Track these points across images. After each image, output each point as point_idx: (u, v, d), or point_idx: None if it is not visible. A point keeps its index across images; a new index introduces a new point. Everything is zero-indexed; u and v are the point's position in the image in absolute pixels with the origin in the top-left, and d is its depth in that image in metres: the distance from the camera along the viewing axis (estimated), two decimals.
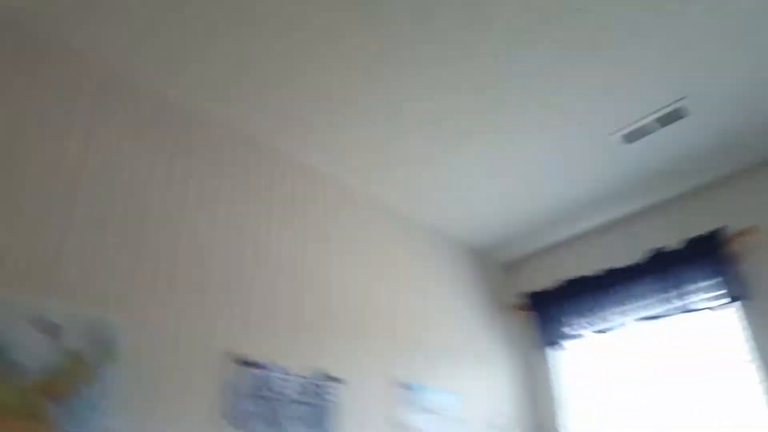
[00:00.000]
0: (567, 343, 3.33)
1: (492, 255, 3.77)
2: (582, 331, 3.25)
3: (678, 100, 2.52)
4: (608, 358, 3.22)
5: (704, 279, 2.88)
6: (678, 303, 2.92)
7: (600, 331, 3.17)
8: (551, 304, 3.41)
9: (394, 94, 2.40)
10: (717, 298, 2.83)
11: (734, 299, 2.78)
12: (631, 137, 2.71)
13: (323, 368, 2.34)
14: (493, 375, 3.28)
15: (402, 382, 2.67)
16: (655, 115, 2.59)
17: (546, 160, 2.86)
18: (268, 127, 2.55)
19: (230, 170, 2.43)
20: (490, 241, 3.60)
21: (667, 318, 2.96)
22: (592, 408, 3.20)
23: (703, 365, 2.87)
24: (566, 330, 3.31)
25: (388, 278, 2.91)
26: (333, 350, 2.44)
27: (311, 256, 2.57)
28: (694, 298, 2.89)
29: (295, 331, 2.32)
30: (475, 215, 3.32)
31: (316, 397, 2.22)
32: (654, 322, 3.00)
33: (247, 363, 2.04)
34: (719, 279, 2.83)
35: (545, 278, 3.56)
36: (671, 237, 3.08)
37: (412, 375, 2.74)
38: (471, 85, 2.37)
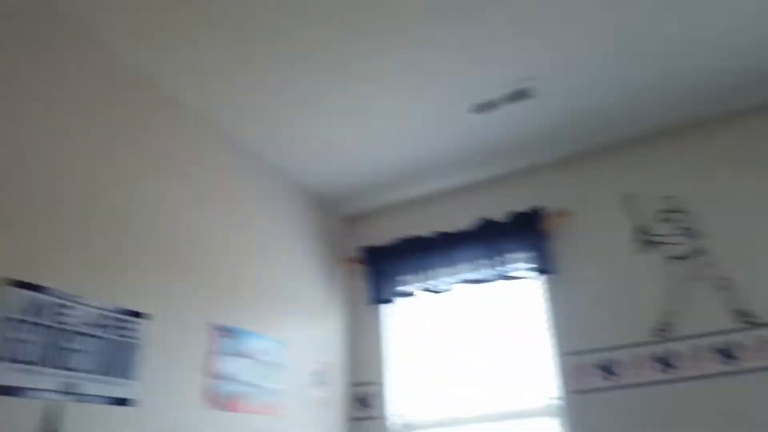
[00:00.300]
0: (397, 300, 3.43)
1: (333, 206, 3.73)
2: (412, 289, 3.38)
3: (527, 81, 2.64)
4: (434, 317, 3.40)
5: (522, 251, 3.14)
6: (499, 270, 3.15)
7: (429, 291, 3.32)
8: (385, 261, 3.48)
9: (248, 19, 2.18)
10: (531, 269, 3.11)
11: (543, 272, 3.07)
12: (481, 108, 2.80)
13: (125, 300, 2.11)
14: (321, 325, 3.29)
15: (220, 324, 2.54)
16: (505, 91, 2.69)
17: (398, 117, 2.85)
18: (99, 18, 2.18)
19: (37, 56, 2.03)
20: (333, 191, 3.55)
21: (488, 283, 3.19)
22: (416, 364, 3.36)
23: (515, 329, 3.15)
24: (397, 287, 3.42)
25: (216, 213, 2.71)
26: (140, 282, 2.19)
27: (123, 174, 2.26)
28: (513, 267, 3.15)
29: (90, 256, 2.03)
30: (322, 163, 3.23)
31: (113, 332, 2.00)
32: (477, 285, 3.22)
33: (23, 285, 1.75)
34: (534, 252, 3.10)
35: (382, 235, 3.62)
36: (499, 209, 3.29)
37: (232, 318, 2.62)
38: (335, 23, 2.23)
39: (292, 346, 2.97)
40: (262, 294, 2.87)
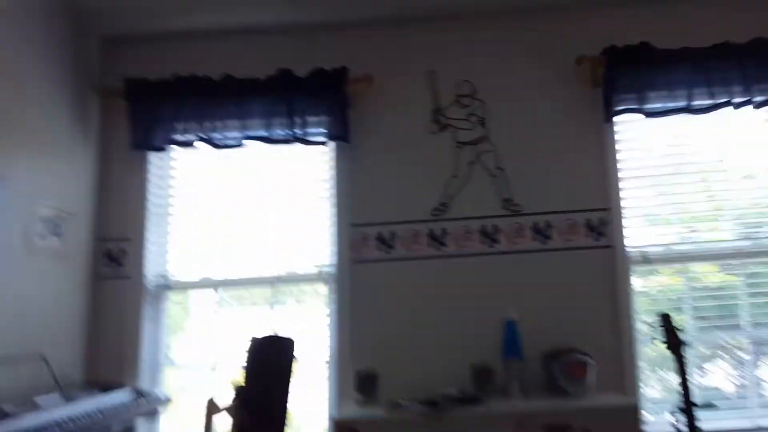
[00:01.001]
0: (170, 149, 2.95)
1: (89, 19, 2.88)
2: (190, 139, 2.90)
3: None
4: (213, 172, 3.01)
5: (319, 112, 2.88)
6: (292, 130, 2.85)
7: (210, 143, 2.88)
8: (158, 100, 2.89)
9: None
10: (325, 134, 2.88)
11: (337, 139, 2.87)
12: None
13: None
14: (62, 164, 2.67)
15: None
16: None
17: None
18: None
19: None
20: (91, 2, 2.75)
21: (279, 143, 2.87)
22: (184, 220, 2.99)
23: (300, 194, 2.96)
24: (171, 134, 2.90)
25: None
26: None
27: None
28: (308, 129, 2.87)
29: None
30: None
31: None
32: (266, 144, 2.88)
33: None
34: (331, 116, 2.86)
35: (157, 68, 2.97)
36: (299, 63, 2.91)
37: None
38: None
39: (16, 184, 2.35)
40: None
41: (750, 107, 2.78)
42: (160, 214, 2.98)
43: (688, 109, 2.78)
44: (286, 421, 2.23)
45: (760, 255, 2.81)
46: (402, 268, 2.80)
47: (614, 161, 2.85)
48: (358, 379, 2.48)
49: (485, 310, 2.70)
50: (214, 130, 2.89)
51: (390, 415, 2.20)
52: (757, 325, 2.77)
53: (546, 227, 2.82)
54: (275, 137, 2.87)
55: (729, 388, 2.80)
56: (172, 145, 2.92)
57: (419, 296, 2.78)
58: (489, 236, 2.82)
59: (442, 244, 2.82)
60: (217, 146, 2.89)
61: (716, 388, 2.78)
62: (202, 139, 2.89)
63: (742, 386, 2.75)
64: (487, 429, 2.14)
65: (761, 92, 2.76)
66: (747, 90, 2.76)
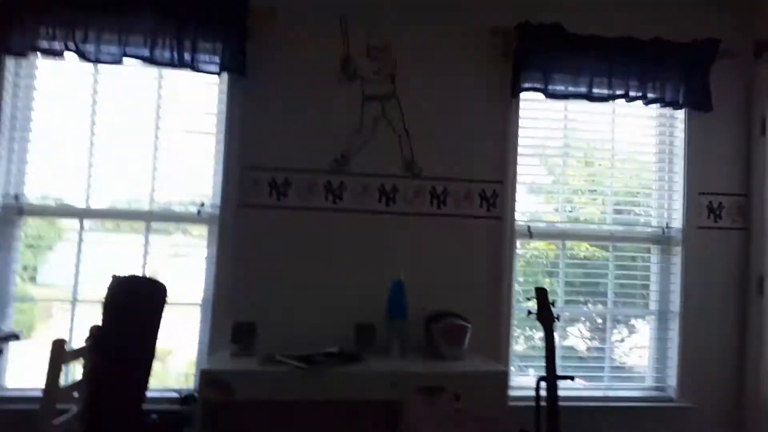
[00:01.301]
0: (34, 57, 2.57)
1: None
2: (58, 48, 2.50)
3: None
4: (87, 90, 2.64)
5: (213, 39, 2.60)
6: (179, 53, 2.55)
7: (82, 56, 2.50)
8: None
9: None
10: (218, 63, 2.61)
11: (230, 70, 2.62)
12: None
13: None
14: None
15: None
16: None
17: None
18: None
19: None
20: None
21: (165, 67, 2.58)
22: (48, 138, 2.61)
23: (186, 126, 2.69)
24: (33, 39, 2.48)
25: None
26: None
27: None
28: (198, 54, 2.59)
29: None
30: None
31: None
32: (150, 66, 2.57)
33: None
34: (226, 45, 2.60)
35: None
36: None
37: None
38: None
39: None
40: None
41: (641, 102, 2.93)
42: (16, 128, 2.57)
43: (588, 96, 2.87)
44: (147, 369, 2.05)
45: (631, 240, 3.03)
46: (293, 217, 2.66)
47: (514, 136, 2.88)
48: (235, 330, 2.33)
49: (375, 269, 2.65)
50: (87, 41, 2.52)
51: (264, 370, 2.08)
52: (618, 297, 2.99)
53: (443, 193, 2.81)
54: (160, 59, 2.56)
55: (585, 353, 3.02)
56: (35, 52, 2.52)
57: (308, 249, 2.67)
58: (387, 195, 2.76)
59: (339, 198, 2.71)
60: (89, 60, 2.53)
61: (577, 357, 2.99)
62: (71, 50, 2.51)
63: (598, 357, 2.98)
64: (362, 388, 2.10)
65: (653, 90, 2.92)
66: (642, 86, 2.89)
